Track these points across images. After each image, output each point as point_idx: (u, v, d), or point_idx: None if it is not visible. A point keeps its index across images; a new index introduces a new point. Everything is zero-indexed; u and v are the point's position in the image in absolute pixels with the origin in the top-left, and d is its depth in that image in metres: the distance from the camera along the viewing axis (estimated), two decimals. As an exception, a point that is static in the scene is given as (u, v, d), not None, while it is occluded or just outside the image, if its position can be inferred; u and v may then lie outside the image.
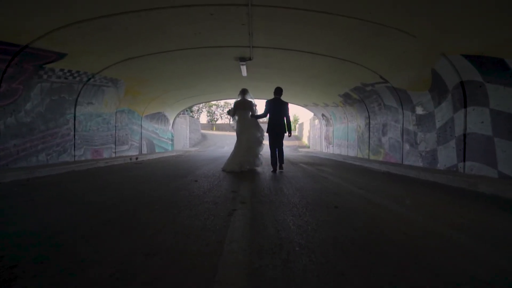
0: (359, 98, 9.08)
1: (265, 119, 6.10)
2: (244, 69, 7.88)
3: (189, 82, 9.89)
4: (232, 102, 24.11)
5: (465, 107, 4.98)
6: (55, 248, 1.62)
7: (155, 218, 2.27)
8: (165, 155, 11.42)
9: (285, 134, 5.94)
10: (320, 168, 6.92)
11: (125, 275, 1.31)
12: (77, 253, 1.56)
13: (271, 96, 5.98)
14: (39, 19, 4.19)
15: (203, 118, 48.02)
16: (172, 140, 14.52)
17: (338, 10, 4.33)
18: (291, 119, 9.59)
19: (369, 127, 9.30)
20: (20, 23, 4.14)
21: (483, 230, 2.13)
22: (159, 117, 12.43)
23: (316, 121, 18.03)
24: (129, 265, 1.41)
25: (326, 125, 14.71)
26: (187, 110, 23.68)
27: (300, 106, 15.02)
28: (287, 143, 14.33)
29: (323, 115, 14.41)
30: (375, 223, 2.23)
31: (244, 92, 6.23)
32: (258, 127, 6.11)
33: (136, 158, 8.87)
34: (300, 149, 19.18)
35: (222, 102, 47.73)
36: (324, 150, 15.51)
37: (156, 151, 12.35)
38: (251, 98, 6.28)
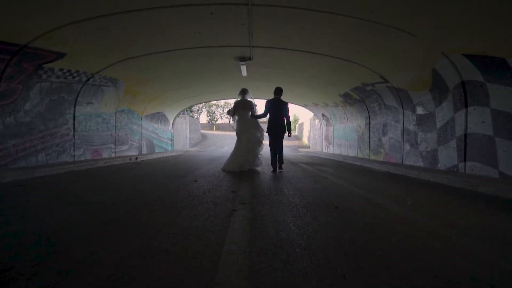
0: (359, 98, 9.06)
1: (265, 119, 6.09)
2: (244, 69, 7.87)
3: (189, 81, 9.87)
4: (232, 102, 24.13)
5: (466, 107, 4.97)
6: (53, 249, 1.61)
7: (155, 219, 2.26)
8: (165, 155, 11.41)
9: (285, 134, 5.93)
10: (320, 168, 6.91)
11: (124, 276, 1.30)
12: (75, 254, 1.54)
13: (271, 96, 5.97)
14: (39, 18, 4.18)
15: (203, 118, 48.12)
16: (172, 140, 14.50)
17: (338, 9, 4.31)
18: (291, 119, 9.56)
19: (369, 127, 9.29)
20: (19, 23, 4.12)
21: (483, 230, 2.13)
22: (159, 117, 12.42)
23: (316, 121, 18.02)
24: (128, 266, 1.40)
25: (326, 125, 14.70)
26: (187, 110, 23.67)
27: (300, 106, 15.02)
28: (287, 143, 14.34)
29: (323, 115, 14.40)
30: (375, 224, 2.22)
31: (244, 92, 6.22)
32: (258, 127, 6.11)
33: (136, 158, 8.86)
34: (300, 149, 19.18)
35: (222, 102, 47.82)
36: (324, 150, 15.50)
37: (156, 151, 12.34)
38: (251, 98, 6.27)
